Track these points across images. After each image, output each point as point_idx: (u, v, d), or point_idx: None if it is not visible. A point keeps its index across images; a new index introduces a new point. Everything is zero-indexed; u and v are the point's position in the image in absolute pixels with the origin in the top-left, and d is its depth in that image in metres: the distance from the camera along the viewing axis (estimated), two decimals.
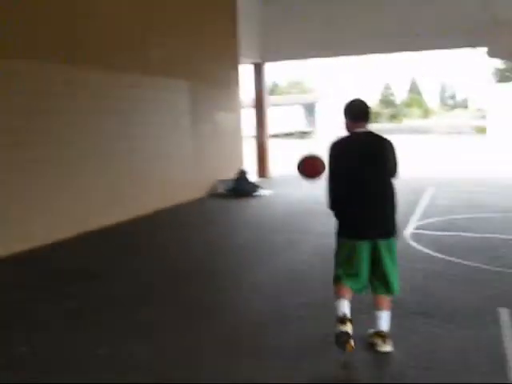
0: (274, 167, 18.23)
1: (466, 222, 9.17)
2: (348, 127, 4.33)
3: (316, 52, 17.46)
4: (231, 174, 13.71)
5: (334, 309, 4.19)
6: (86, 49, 9.33)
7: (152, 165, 11.18)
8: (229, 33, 14.22)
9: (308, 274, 6.43)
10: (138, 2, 10.66)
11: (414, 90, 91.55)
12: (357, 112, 4.32)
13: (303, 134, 54.93)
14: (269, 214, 10.90)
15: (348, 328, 3.99)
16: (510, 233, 8.23)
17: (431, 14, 14.24)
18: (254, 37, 16.34)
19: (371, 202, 4.17)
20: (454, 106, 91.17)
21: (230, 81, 14.87)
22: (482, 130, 44.24)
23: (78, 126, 9.15)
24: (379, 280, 4.23)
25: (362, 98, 4.42)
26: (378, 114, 76.20)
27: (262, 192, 13.49)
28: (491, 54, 14.76)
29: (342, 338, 3.97)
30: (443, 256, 6.93)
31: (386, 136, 4.31)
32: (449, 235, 8.23)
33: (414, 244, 7.57)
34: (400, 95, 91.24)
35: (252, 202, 12.63)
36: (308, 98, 63.15)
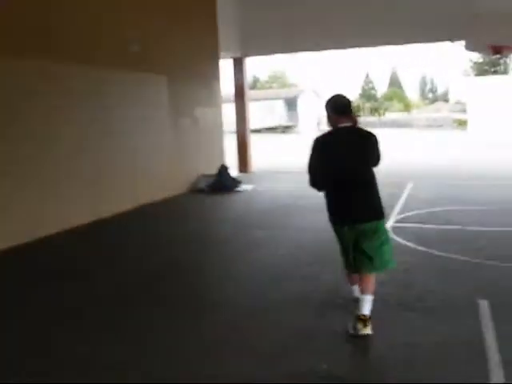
0: (256, 162, 18.20)
1: (446, 214, 9.21)
2: (332, 122, 4.52)
3: (297, 46, 17.47)
4: (212, 170, 13.65)
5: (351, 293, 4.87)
6: (64, 44, 9.20)
7: (133, 161, 11.08)
8: (208, 27, 14.13)
9: (288, 269, 6.40)
10: None
11: (395, 83, 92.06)
12: (340, 107, 4.50)
13: (285, 129, 55.00)
14: (250, 210, 10.87)
15: (368, 330, 4.34)
16: (490, 225, 8.28)
17: (410, 6, 14.26)
18: (233, 31, 16.28)
19: (358, 191, 4.43)
20: (434, 100, 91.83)
21: (211, 75, 14.79)
22: (462, 124, 44.55)
23: (58, 123, 9.04)
24: (363, 259, 4.45)
25: (343, 94, 4.60)
26: (358, 108, 76.51)
27: (243, 187, 13.45)
28: (469, 47, 14.81)
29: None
30: (424, 248, 6.95)
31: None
32: (429, 228, 8.27)
33: (395, 237, 7.57)
34: (380, 89, 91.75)
35: (233, 197, 12.59)
36: (289, 92, 63.21)
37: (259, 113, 50.35)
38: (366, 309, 4.35)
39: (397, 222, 8.66)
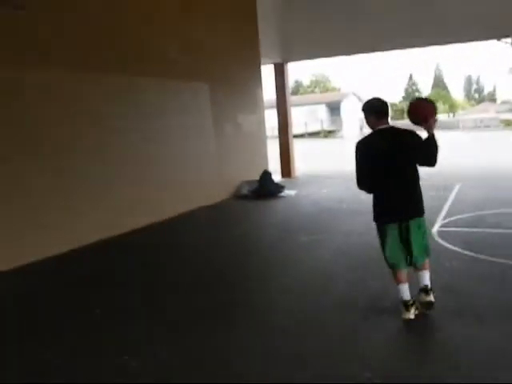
0: (299, 167, 18.15)
1: (495, 217, 8.96)
2: (372, 124, 4.72)
3: (339, 50, 17.36)
4: (256, 176, 13.65)
5: (398, 293, 4.77)
6: (109, 54, 9.42)
7: (176, 168, 11.19)
8: (249, 33, 14.14)
9: (334, 274, 6.33)
10: (159, 7, 10.67)
11: (439, 84, 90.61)
12: (379, 110, 4.69)
13: (328, 133, 54.74)
14: (293, 214, 10.82)
15: (411, 315, 4.64)
16: None
17: (455, 6, 13.99)
18: (274, 37, 16.26)
19: (406, 189, 4.67)
20: (480, 100, 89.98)
21: (252, 82, 14.82)
22: (510, 124, 43.41)
23: (102, 131, 9.22)
24: (415, 251, 4.72)
25: (380, 97, 4.79)
26: (402, 111, 75.48)
27: (286, 192, 13.41)
28: None
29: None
30: (472, 253, 6.77)
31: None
32: (477, 231, 8.06)
33: (442, 241, 7.42)
34: (425, 90, 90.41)
35: (276, 202, 12.56)
36: (332, 96, 62.93)
37: (302, 118, 50.28)
38: (427, 280, 4.82)
39: (443, 226, 8.48)
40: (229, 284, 6.33)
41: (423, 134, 4.57)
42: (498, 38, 15.55)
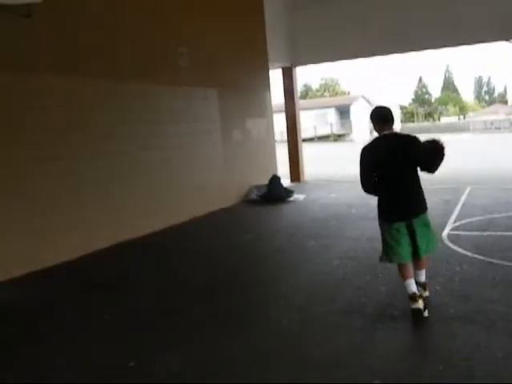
0: (308, 171, 18.09)
1: (506, 221, 8.86)
2: (377, 130, 5.10)
3: (347, 53, 17.27)
4: (264, 180, 13.62)
5: (404, 289, 4.94)
6: (123, 63, 9.55)
7: (184, 173, 11.19)
8: (257, 38, 14.15)
9: (342, 279, 6.27)
10: (166, 13, 10.67)
11: (449, 86, 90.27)
12: (384, 117, 5.07)
13: (337, 137, 54.65)
14: (302, 219, 10.76)
15: (419, 304, 4.77)
16: None
17: (465, 7, 13.92)
18: (282, 41, 16.25)
19: (410, 189, 4.99)
20: (491, 102, 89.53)
21: (261, 86, 14.81)
22: None
23: (110, 137, 9.26)
24: (421, 246, 4.94)
25: (385, 105, 5.28)
26: (412, 114, 75.32)
27: (295, 197, 13.36)
28: None
29: (417, 315, 4.75)
30: (482, 257, 6.68)
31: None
32: (488, 235, 7.95)
33: (452, 245, 7.34)
34: (434, 93, 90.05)
35: (285, 207, 12.51)
36: (341, 100, 62.87)
37: (311, 122, 50.25)
38: (423, 278, 5.13)
39: (453, 229, 8.39)
40: (241, 287, 6.32)
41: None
42: (508, 40, 15.43)
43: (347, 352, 4.31)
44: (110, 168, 9.23)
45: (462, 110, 79.93)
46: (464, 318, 4.80)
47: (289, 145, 17.93)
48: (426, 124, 66.26)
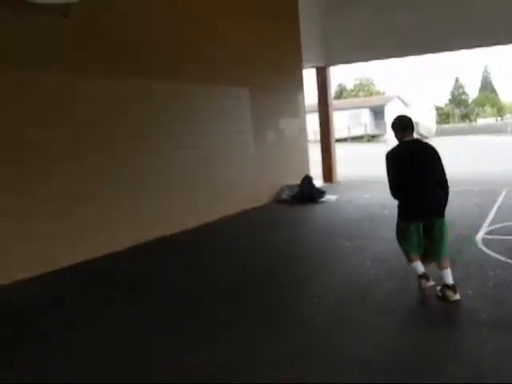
0: (340, 172, 18.00)
1: None
2: (399, 137, 5.54)
3: (380, 53, 17.13)
4: (297, 180, 13.60)
5: (413, 270, 5.66)
6: (162, 62, 9.72)
7: (218, 172, 11.28)
8: (291, 38, 14.14)
9: (375, 281, 6.23)
10: (201, 13, 10.76)
11: (487, 87, 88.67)
12: (406, 125, 5.53)
13: (371, 138, 54.19)
14: (336, 220, 10.72)
15: (428, 283, 5.54)
16: None
17: (501, 6, 13.67)
18: (316, 42, 16.20)
19: (428, 192, 5.33)
20: None
21: (294, 86, 14.79)
22: None
23: (143, 136, 9.38)
24: (437, 248, 5.41)
25: (406, 114, 5.77)
26: (448, 115, 74.24)
27: (327, 197, 13.31)
28: None
29: (425, 288, 5.56)
30: None
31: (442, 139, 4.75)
32: None
33: (486, 249, 7.22)
34: (472, 93, 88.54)
35: (317, 207, 12.48)
36: (376, 100, 62.32)
37: (345, 122, 49.93)
38: (451, 279, 5.27)
39: (488, 233, 8.25)
40: (276, 286, 6.32)
41: None
42: None
43: (377, 355, 4.29)
44: (145, 167, 9.39)
45: (500, 111, 78.46)
46: (496, 323, 4.72)
47: (322, 145, 17.87)
48: (461, 125, 65.31)
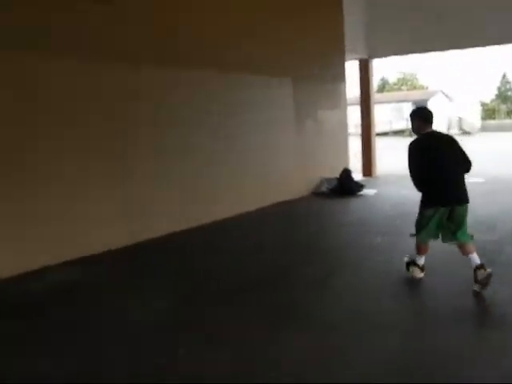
0: (380, 166, 17.78)
1: None
2: (419, 129, 5.64)
3: (425, 46, 16.80)
4: (335, 173, 13.47)
5: (417, 259, 5.89)
6: (207, 52, 9.74)
7: (255, 163, 11.24)
8: (334, 29, 13.93)
9: (407, 279, 6.04)
10: (241, 2, 10.70)
11: None
12: (427, 117, 5.64)
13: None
14: (371, 215, 10.58)
15: (422, 274, 5.93)
16: None
17: None
18: (360, 33, 15.95)
19: (452, 180, 5.51)
20: None
21: (336, 77, 14.59)
22: None
23: (182, 125, 9.40)
24: (459, 232, 5.51)
25: (426, 107, 5.98)
26: (493, 111, 72.62)
27: (365, 191, 13.16)
28: None
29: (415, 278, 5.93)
30: None
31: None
32: None
33: None
34: None
35: (355, 201, 12.34)
36: (419, 94, 61.34)
37: (387, 116, 49.31)
38: (478, 260, 5.39)
39: None
40: (293, 284, 6.18)
41: None
42: None
43: (406, 358, 4.15)
44: (190, 158, 9.50)
45: None
46: None
47: (362, 138, 17.68)
48: (507, 121, 63.70)
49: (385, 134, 46.37)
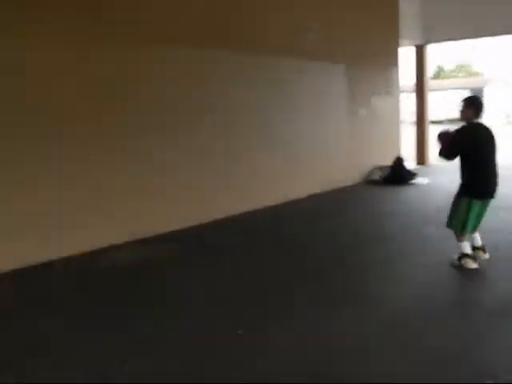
0: (434, 155, 17.41)
1: None
2: (468, 117, 5.67)
3: (483, 31, 16.30)
4: (388, 161, 13.30)
5: (464, 249, 5.87)
6: (252, 35, 9.71)
7: (307, 150, 11.21)
8: (389, 13, 13.66)
9: (458, 271, 5.91)
10: None
11: None
12: (481, 107, 5.69)
13: None
14: (423, 204, 10.40)
15: (476, 264, 5.83)
16: None
17: None
18: (415, 16, 15.58)
19: (493, 170, 5.72)
20: None
21: (389, 64, 14.36)
22: None
23: (240, 108, 9.55)
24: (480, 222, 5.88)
25: (480, 96, 6.17)
26: None
27: (418, 180, 12.95)
28: None
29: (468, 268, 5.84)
30: None
31: None
32: None
33: None
34: None
35: (407, 190, 12.16)
36: (475, 82, 59.66)
37: (443, 103, 48.20)
38: (480, 241, 6.02)
39: None
40: (341, 274, 6.13)
41: None
42: None
43: (457, 348, 4.08)
44: (235, 142, 9.52)
45: None
46: None
47: (416, 126, 17.38)
48: None
49: (439, 122, 45.39)
